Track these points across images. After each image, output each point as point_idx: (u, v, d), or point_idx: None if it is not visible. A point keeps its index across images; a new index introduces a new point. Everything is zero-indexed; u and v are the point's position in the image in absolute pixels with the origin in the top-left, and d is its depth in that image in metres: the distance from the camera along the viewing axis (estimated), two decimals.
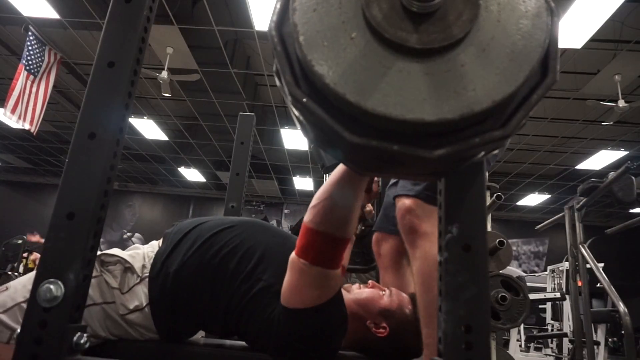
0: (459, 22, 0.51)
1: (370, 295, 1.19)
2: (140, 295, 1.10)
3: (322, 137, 0.56)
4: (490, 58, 0.52)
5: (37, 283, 0.67)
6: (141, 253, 1.18)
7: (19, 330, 0.66)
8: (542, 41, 0.53)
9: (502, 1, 0.54)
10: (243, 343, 1.20)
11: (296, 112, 0.55)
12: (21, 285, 1.05)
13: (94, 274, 1.09)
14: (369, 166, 0.61)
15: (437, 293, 0.67)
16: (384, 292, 1.21)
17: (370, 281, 1.27)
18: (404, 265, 1.56)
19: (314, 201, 0.97)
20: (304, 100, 0.51)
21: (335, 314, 1.06)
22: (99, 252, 1.12)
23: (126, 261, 1.12)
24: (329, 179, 0.96)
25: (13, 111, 5.36)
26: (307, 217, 0.97)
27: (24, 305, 0.80)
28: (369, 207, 1.39)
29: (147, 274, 1.12)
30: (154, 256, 1.16)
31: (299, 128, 0.60)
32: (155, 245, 1.22)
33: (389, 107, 0.49)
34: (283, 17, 0.55)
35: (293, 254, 1.00)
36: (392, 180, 1.66)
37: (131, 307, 1.09)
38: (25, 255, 7.26)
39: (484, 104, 0.49)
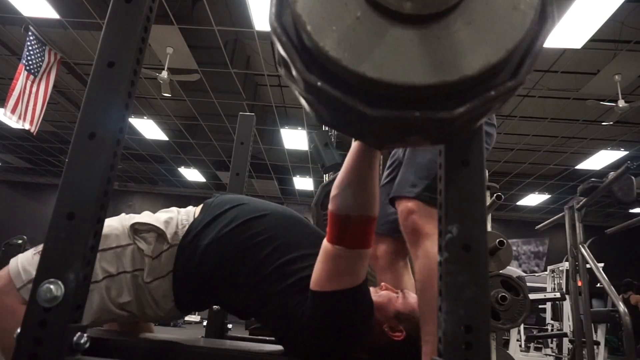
0: None
1: (387, 298, 1.18)
2: (165, 263, 1.11)
3: (340, 119, 0.57)
4: (495, 11, 0.53)
5: (37, 283, 0.67)
6: (175, 220, 1.18)
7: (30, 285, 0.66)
8: (523, 35, 0.53)
9: None
10: (243, 344, 1.20)
11: (310, 98, 0.56)
12: None
13: (127, 242, 1.11)
14: (391, 138, 0.62)
15: (436, 291, 0.67)
16: (397, 295, 1.20)
17: (383, 284, 1.26)
18: (400, 266, 1.57)
19: (334, 190, 0.99)
20: (319, 84, 0.52)
21: (364, 298, 1.08)
22: (133, 220, 1.14)
23: (159, 228, 1.13)
24: (345, 164, 0.99)
25: (13, 111, 5.36)
26: (333, 205, 0.99)
27: None
28: None
29: (178, 243, 1.13)
30: (188, 225, 1.16)
31: (313, 115, 0.60)
32: (190, 212, 1.23)
33: (411, 76, 0.50)
34: (281, 7, 0.56)
35: (326, 242, 1.02)
36: (385, 180, 1.66)
37: (156, 274, 1.10)
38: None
39: (500, 54, 0.50)
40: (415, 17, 0.52)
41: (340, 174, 0.99)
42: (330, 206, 1.01)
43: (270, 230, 1.15)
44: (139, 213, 1.20)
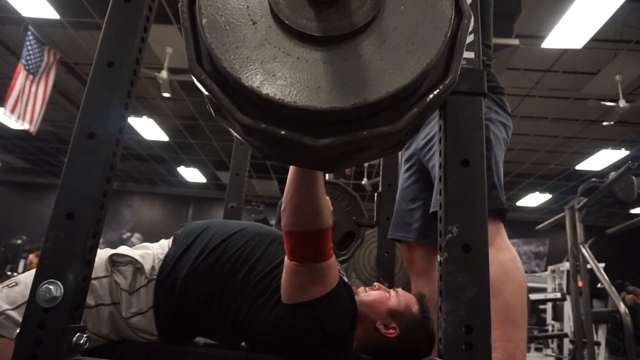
0: (361, 11, 0.51)
1: (378, 296, 1.19)
2: (144, 298, 1.10)
3: (285, 155, 0.56)
4: (390, 49, 0.51)
5: (36, 283, 0.67)
6: (151, 254, 1.16)
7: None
8: (443, 41, 0.52)
9: None
10: (242, 344, 1.20)
11: (249, 139, 0.54)
12: (31, 281, 1.03)
13: (105, 274, 1.09)
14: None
15: (507, 298, 0.67)
16: (389, 293, 1.21)
17: (375, 283, 1.27)
18: (435, 272, 1.60)
19: (282, 204, 0.98)
20: (202, 77, 0.52)
21: (340, 302, 1.07)
22: (110, 252, 1.12)
23: (137, 262, 1.11)
24: (288, 179, 0.97)
25: (12, 111, 5.36)
26: (283, 220, 0.98)
27: None
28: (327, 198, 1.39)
29: (155, 277, 1.11)
30: (163, 258, 1.15)
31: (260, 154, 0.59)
32: (165, 245, 1.21)
33: (285, 94, 0.49)
34: (199, 51, 0.54)
35: (285, 258, 1.03)
36: (406, 183, 1.68)
37: (134, 310, 1.08)
38: (24, 255, 7.26)
39: (377, 95, 0.49)
40: (324, 38, 0.50)
41: (285, 189, 0.98)
42: (281, 222, 1.00)
43: (243, 249, 1.15)
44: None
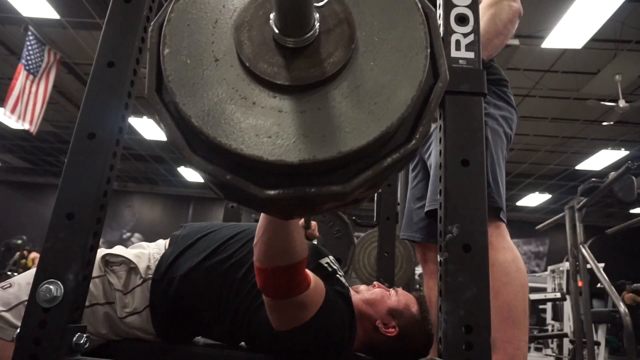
0: (327, 63, 0.48)
1: (379, 295, 1.19)
2: (140, 298, 1.09)
3: (239, 200, 0.54)
4: (351, 106, 0.48)
5: (36, 283, 0.67)
6: (147, 253, 1.16)
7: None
8: (409, 105, 0.48)
9: (380, 39, 0.51)
10: (242, 344, 1.20)
11: (207, 177, 0.51)
12: (25, 283, 1.03)
13: (98, 274, 1.09)
14: (297, 213, 0.58)
15: (508, 299, 0.67)
16: (389, 292, 1.21)
17: (375, 282, 1.27)
18: None
19: (255, 238, 0.93)
20: (158, 107, 0.49)
21: (333, 315, 1.05)
22: (103, 252, 1.12)
23: (131, 262, 1.11)
24: (261, 216, 0.93)
25: (13, 111, 5.36)
26: (254, 255, 0.93)
27: None
28: (313, 224, 1.34)
29: (151, 276, 1.11)
30: (159, 258, 1.15)
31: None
32: (161, 245, 1.21)
33: (233, 140, 0.46)
34: (160, 80, 0.52)
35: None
36: (414, 182, 1.69)
37: (130, 309, 1.08)
38: (19, 255, 7.25)
39: (328, 154, 0.45)
40: (284, 86, 0.48)
41: (258, 224, 0.93)
42: (253, 256, 0.95)
43: (242, 249, 1.14)
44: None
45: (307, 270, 0.98)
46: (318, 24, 0.49)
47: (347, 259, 2.11)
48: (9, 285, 1.05)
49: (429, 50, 0.51)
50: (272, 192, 0.46)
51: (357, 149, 0.46)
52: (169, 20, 0.51)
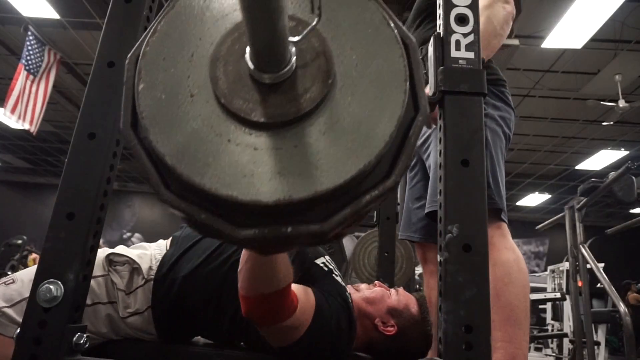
0: (303, 99, 0.47)
1: (379, 294, 1.19)
2: (142, 299, 1.09)
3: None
4: (328, 144, 0.46)
5: (36, 283, 0.67)
6: (149, 254, 1.16)
7: None
8: (387, 141, 0.47)
9: (359, 73, 0.50)
10: (242, 344, 1.20)
11: (180, 215, 0.50)
12: (28, 279, 1.02)
13: (102, 273, 1.09)
14: (273, 249, 0.57)
15: (509, 299, 0.67)
16: (390, 292, 1.21)
17: (376, 281, 1.28)
18: None
19: (240, 265, 0.90)
20: (132, 143, 0.48)
21: (329, 323, 1.03)
22: (108, 251, 1.12)
23: (134, 262, 1.11)
24: None
25: (13, 111, 5.36)
26: (239, 283, 0.92)
27: None
28: None
29: (153, 277, 1.11)
30: (161, 259, 1.15)
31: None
32: (162, 246, 1.21)
33: (207, 178, 0.45)
34: (135, 115, 0.50)
35: None
36: (412, 183, 1.69)
37: (132, 310, 1.08)
38: (20, 256, 7.24)
39: (304, 193, 0.44)
40: (260, 123, 0.46)
41: (242, 251, 0.92)
42: (238, 283, 0.93)
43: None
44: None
45: (294, 288, 0.96)
46: (294, 58, 0.48)
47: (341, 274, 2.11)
48: (11, 281, 1.05)
49: (408, 84, 0.49)
50: (247, 232, 0.45)
51: (334, 188, 0.45)
52: (144, 54, 0.50)
